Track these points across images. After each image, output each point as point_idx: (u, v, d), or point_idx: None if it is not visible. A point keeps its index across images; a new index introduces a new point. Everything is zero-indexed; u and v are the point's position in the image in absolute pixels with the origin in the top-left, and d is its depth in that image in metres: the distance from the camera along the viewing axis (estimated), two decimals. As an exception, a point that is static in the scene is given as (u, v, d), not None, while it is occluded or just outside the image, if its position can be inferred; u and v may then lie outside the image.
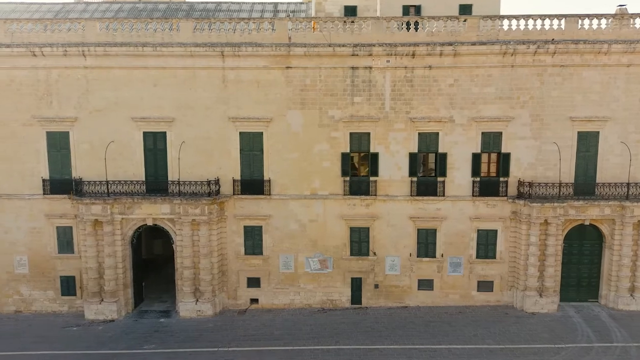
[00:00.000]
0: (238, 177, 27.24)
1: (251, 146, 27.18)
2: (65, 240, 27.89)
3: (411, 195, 26.90)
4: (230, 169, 27.18)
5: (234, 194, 27.28)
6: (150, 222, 27.10)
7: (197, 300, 27.18)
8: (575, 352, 22.82)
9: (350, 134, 26.78)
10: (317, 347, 23.57)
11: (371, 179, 26.96)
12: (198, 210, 26.30)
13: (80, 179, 26.79)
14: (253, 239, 27.74)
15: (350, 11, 32.33)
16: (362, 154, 27.11)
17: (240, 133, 27.02)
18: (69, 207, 27.31)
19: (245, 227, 27.67)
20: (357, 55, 25.95)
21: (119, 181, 26.53)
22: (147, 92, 26.66)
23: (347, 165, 26.95)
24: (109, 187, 26.39)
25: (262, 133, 27.04)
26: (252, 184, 27.27)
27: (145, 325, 26.48)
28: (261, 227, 27.63)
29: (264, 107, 26.73)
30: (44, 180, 27.29)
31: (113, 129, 26.86)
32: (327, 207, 27.31)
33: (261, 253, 27.85)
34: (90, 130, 26.91)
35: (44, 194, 27.36)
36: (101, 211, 26.28)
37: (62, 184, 27.26)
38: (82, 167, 27.13)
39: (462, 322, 25.89)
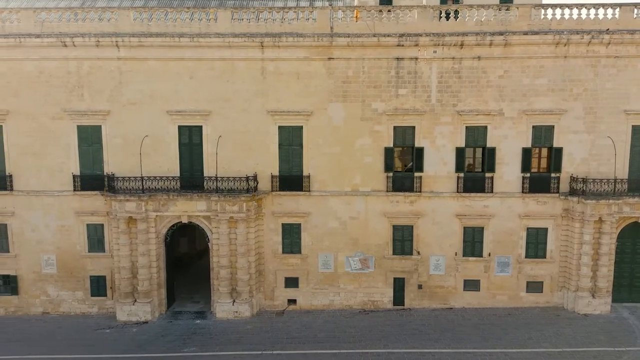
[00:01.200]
0: (276, 172, 26.16)
1: (290, 140, 26.09)
2: (95, 239, 26.80)
3: (457, 192, 25.80)
4: (268, 164, 26.10)
5: (272, 190, 26.18)
6: (185, 220, 26.05)
7: (234, 301, 26.10)
8: (638, 356, 21.72)
9: (394, 127, 25.68)
10: (365, 350, 22.46)
11: (415, 174, 25.87)
12: (236, 207, 25.23)
13: (113, 174, 25.65)
14: (291, 237, 26.66)
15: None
16: (406, 149, 26.04)
17: (279, 127, 25.92)
18: (100, 204, 26.24)
19: (283, 224, 26.58)
20: (403, 45, 24.87)
21: (154, 177, 25.42)
22: (183, 85, 25.58)
23: (391, 160, 25.84)
24: (144, 183, 25.36)
25: (301, 127, 25.93)
26: (291, 179, 26.17)
27: (181, 327, 25.40)
28: (300, 224, 26.55)
29: (304, 100, 25.65)
30: (74, 176, 26.23)
31: (147, 122, 25.79)
32: (368, 204, 26.22)
33: (300, 252, 26.76)
34: (124, 124, 25.84)
35: (74, 190, 26.32)
36: (135, 208, 25.22)
37: (93, 180, 26.21)
38: (114, 163, 26.04)
39: (512, 325, 24.78)
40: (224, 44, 25.14)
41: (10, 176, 26.38)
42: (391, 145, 25.77)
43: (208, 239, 26.65)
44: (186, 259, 34.61)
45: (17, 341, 24.04)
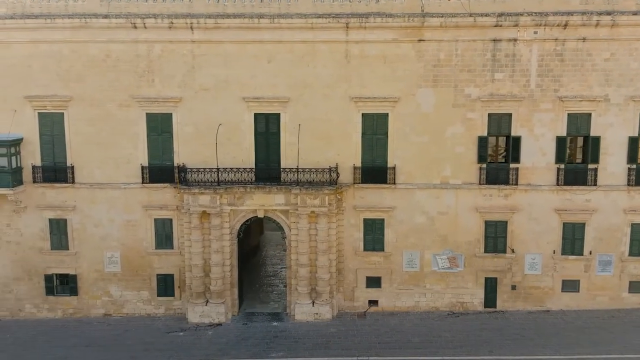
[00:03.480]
0: (359, 163, 24.28)
1: (374, 129, 24.24)
2: (163, 235, 25.00)
3: (557, 185, 23.86)
4: (350, 155, 24.23)
5: (353, 183, 24.34)
6: (261, 214, 24.29)
7: (313, 302, 24.29)
8: None
9: (489, 114, 23.75)
10: (470, 357, 20.56)
11: (511, 166, 23.93)
12: (317, 201, 23.44)
13: (184, 165, 23.98)
14: (374, 234, 24.77)
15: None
16: (501, 138, 24.19)
17: (362, 114, 24.07)
18: (170, 197, 24.51)
19: (365, 220, 24.68)
20: (501, 26, 23.00)
21: (230, 169, 23.69)
22: (260, 69, 23.77)
23: (484, 150, 23.94)
24: (219, 175, 23.60)
25: (387, 114, 24.07)
26: (374, 171, 24.30)
27: (258, 329, 23.59)
28: (383, 220, 24.64)
29: (391, 85, 23.77)
30: (142, 167, 24.51)
31: (221, 110, 23.99)
32: (459, 197, 24.33)
33: (382, 249, 24.88)
34: (196, 111, 24.05)
35: (142, 182, 24.59)
36: (210, 202, 23.49)
37: (162, 171, 24.44)
38: (185, 153, 24.24)
39: (619, 328, 22.86)
40: (305, 25, 23.32)
41: (72, 167, 24.63)
42: (485, 134, 23.86)
43: (284, 235, 24.90)
44: (242, 255, 32.85)
45: (87, 346, 22.30)
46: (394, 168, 24.29)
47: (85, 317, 25.54)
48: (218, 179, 23.53)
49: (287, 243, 24.74)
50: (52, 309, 25.77)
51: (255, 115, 24.24)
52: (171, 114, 24.28)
